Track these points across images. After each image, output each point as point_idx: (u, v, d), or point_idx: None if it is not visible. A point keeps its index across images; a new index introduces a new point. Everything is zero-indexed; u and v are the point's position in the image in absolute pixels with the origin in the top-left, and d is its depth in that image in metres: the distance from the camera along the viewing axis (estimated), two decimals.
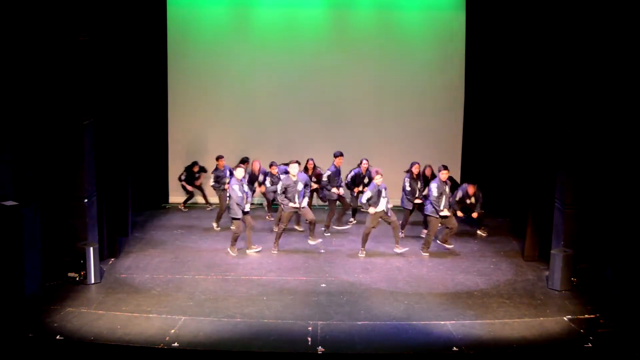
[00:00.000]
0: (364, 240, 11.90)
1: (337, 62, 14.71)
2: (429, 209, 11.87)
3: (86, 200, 10.52)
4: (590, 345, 8.71)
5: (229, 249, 11.88)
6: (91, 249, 10.37)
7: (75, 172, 10.46)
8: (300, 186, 11.84)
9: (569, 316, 9.56)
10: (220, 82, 14.81)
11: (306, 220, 12.25)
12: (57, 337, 8.65)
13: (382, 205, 11.65)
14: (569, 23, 10.59)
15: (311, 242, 12.08)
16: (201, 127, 14.90)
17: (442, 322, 9.31)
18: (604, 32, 10.23)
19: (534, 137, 11.62)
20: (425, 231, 12.63)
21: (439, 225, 11.98)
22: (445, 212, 11.79)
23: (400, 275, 11.02)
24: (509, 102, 13.73)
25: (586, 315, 9.60)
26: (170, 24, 14.51)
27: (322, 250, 12.09)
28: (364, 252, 11.86)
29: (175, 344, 8.55)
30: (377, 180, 11.59)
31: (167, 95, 14.72)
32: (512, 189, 13.70)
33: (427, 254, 11.91)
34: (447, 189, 11.88)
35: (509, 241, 12.77)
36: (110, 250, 11.48)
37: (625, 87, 10.09)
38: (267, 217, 13.89)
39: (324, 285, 10.58)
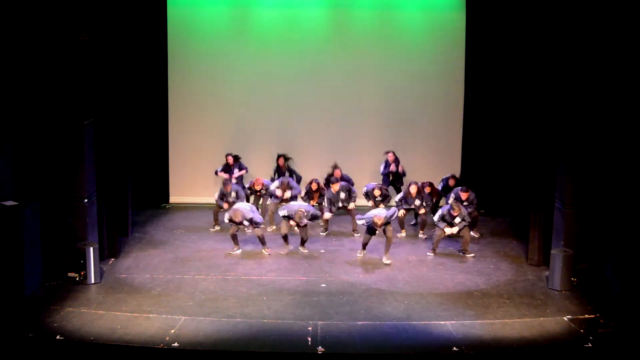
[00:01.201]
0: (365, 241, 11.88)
1: (337, 63, 14.67)
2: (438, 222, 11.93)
3: (86, 200, 10.51)
4: (590, 345, 8.71)
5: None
6: (91, 249, 10.37)
7: (75, 172, 10.46)
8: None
9: (569, 316, 9.56)
10: (220, 82, 14.79)
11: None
12: (57, 337, 8.65)
13: (375, 212, 11.54)
14: (569, 23, 10.59)
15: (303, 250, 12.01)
16: (201, 127, 14.87)
17: (442, 322, 9.31)
18: (604, 32, 10.23)
19: (534, 137, 11.61)
20: (421, 232, 12.98)
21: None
22: (449, 229, 11.74)
23: (400, 275, 11.01)
24: (509, 102, 13.72)
25: (586, 315, 9.60)
26: (170, 24, 14.49)
27: (322, 250, 12.08)
28: (363, 252, 11.84)
29: (175, 344, 8.55)
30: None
31: (167, 95, 14.70)
32: (512, 189, 13.69)
33: (432, 255, 11.89)
34: (458, 220, 11.67)
35: (509, 241, 12.75)
36: (110, 250, 11.47)
37: (626, 87, 10.09)
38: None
39: (324, 285, 10.58)
